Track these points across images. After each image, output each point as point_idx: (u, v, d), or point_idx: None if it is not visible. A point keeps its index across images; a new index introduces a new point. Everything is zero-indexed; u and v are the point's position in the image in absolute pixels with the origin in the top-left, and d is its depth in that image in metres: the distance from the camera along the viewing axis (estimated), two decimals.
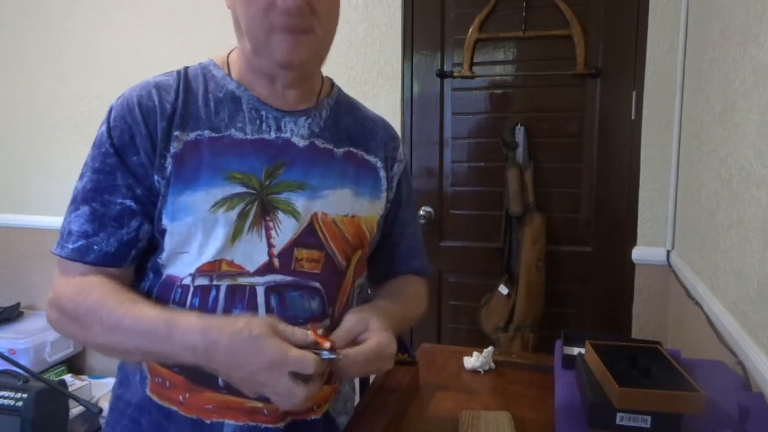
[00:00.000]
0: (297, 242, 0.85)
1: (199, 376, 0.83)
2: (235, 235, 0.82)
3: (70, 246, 0.82)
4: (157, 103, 0.83)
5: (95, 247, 0.81)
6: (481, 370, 1.21)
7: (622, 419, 0.81)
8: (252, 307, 0.82)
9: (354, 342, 0.78)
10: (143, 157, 0.82)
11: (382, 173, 0.96)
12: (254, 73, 0.87)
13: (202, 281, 0.82)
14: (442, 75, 2.19)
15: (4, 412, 1.76)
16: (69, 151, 2.61)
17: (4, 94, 2.69)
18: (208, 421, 0.84)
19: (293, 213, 0.85)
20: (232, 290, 0.82)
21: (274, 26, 0.80)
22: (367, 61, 2.24)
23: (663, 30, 1.94)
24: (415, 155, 2.24)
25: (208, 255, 0.82)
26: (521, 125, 2.10)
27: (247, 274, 0.83)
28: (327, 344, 0.74)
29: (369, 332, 0.79)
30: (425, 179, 2.24)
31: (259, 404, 0.84)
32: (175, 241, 0.82)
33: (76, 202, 0.83)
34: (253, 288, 0.83)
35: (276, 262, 0.84)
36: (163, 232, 0.82)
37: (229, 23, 0.86)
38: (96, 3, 2.51)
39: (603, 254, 2.11)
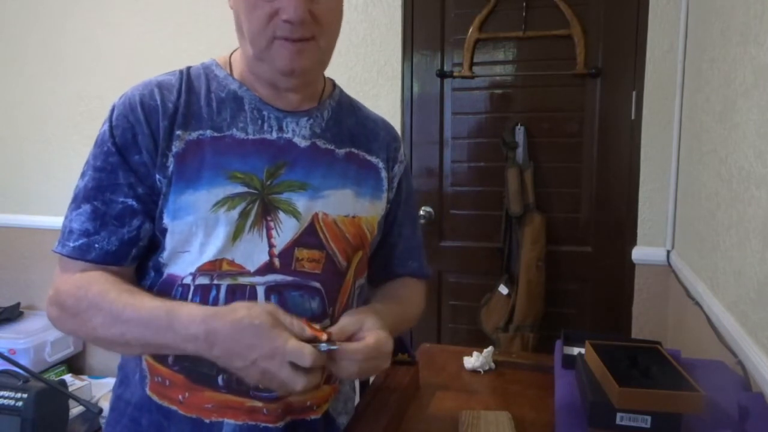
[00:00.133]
0: (298, 242, 0.85)
1: (199, 376, 0.83)
2: (236, 234, 0.82)
3: (71, 244, 0.82)
4: (159, 102, 0.83)
5: (96, 245, 0.82)
6: (481, 370, 1.21)
7: (622, 419, 0.81)
8: None
9: (350, 341, 0.78)
10: (145, 156, 0.82)
11: (384, 174, 0.96)
12: (256, 75, 0.88)
13: (202, 280, 0.82)
14: (442, 75, 2.18)
15: (4, 412, 1.76)
16: (69, 151, 2.61)
17: (4, 94, 2.69)
18: (207, 421, 0.84)
19: (294, 213, 0.85)
20: (232, 290, 0.82)
21: (276, 34, 0.80)
22: (367, 61, 2.24)
23: (663, 30, 1.94)
24: (415, 155, 2.24)
25: (209, 254, 0.82)
26: (521, 125, 2.10)
27: (248, 273, 0.83)
28: (324, 336, 0.74)
29: (365, 331, 0.79)
30: (425, 179, 2.24)
31: (259, 404, 0.84)
32: (176, 240, 0.82)
33: (77, 201, 0.84)
34: (253, 288, 0.83)
35: (276, 261, 0.84)
36: (164, 231, 0.82)
37: (230, 23, 0.86)
38: (96, 3, 2.51)
39: (603, 254, 2.11)
